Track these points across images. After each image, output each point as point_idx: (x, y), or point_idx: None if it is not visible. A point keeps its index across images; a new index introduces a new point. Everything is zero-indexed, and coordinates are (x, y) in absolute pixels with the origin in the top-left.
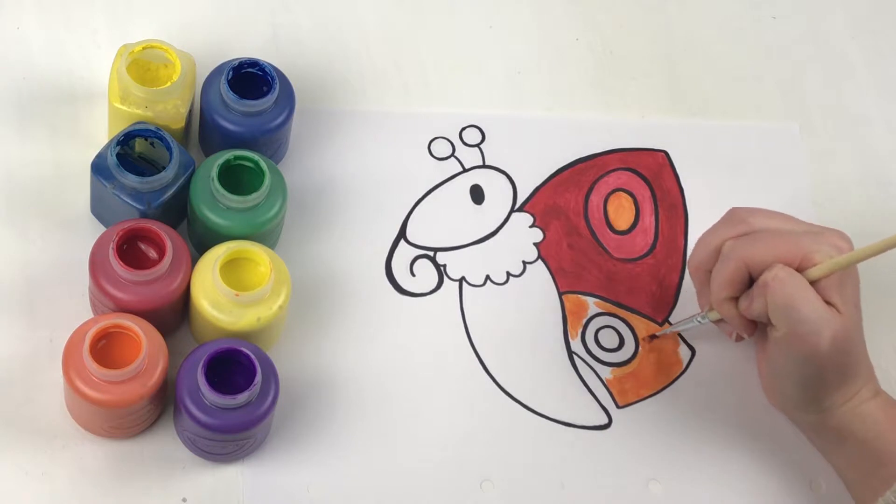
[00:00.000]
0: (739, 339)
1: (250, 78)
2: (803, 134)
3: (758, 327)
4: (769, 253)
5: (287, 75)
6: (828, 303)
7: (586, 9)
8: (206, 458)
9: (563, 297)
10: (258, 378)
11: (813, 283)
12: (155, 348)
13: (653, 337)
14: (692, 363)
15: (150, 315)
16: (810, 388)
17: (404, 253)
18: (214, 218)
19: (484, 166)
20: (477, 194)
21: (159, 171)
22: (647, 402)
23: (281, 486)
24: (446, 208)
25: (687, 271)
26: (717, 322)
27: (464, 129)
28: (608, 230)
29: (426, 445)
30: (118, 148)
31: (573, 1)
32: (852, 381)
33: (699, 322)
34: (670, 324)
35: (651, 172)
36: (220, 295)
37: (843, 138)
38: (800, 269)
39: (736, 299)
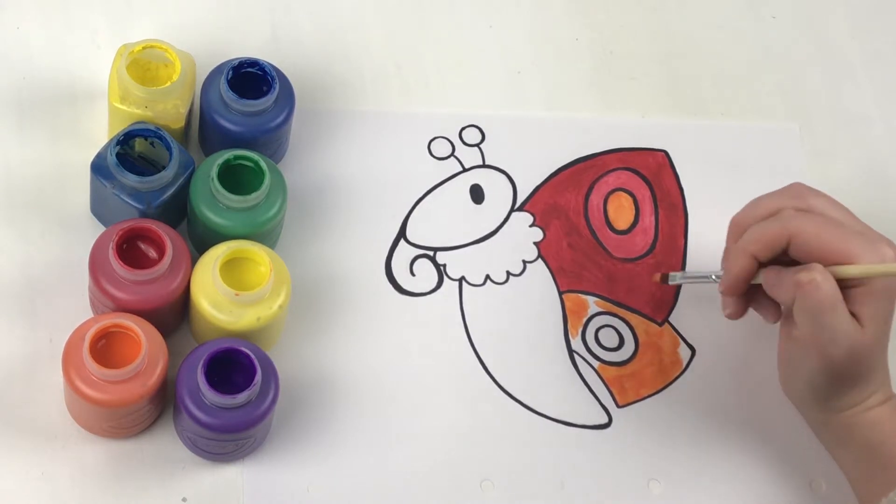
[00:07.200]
0: (774, 317)
1: (250, 78)
2: (803, 134)
3: (782, 318)
4: (818, 236)
5: (287, 75)
6: (856, 312)
7: (586, 9)
8: (206, 458)
9: (564, 296)
10: (258, 378)
11: (846, 282)
12: (155, 348)
13: (664, 278)
14: (692, 363)
15: (150, 315)
16: (819, 390)
17: (404, 253)
18: (214, 218)
19: (484, 166)
20: (477, 194)
21: (159, 171)
22: (647, 401)
23: (281, 486)
24: (446, 208)
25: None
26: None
27: (464, 128)
28: (608, 230)
29: (426, 445)
30: (118, 148)
31: (573, 1)
32: (863, 387)
33: (714, 280)
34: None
35: (651, 172)
36: (219, 294)
37: (843, 138)
38: (838, 264)
39: (758, 264)
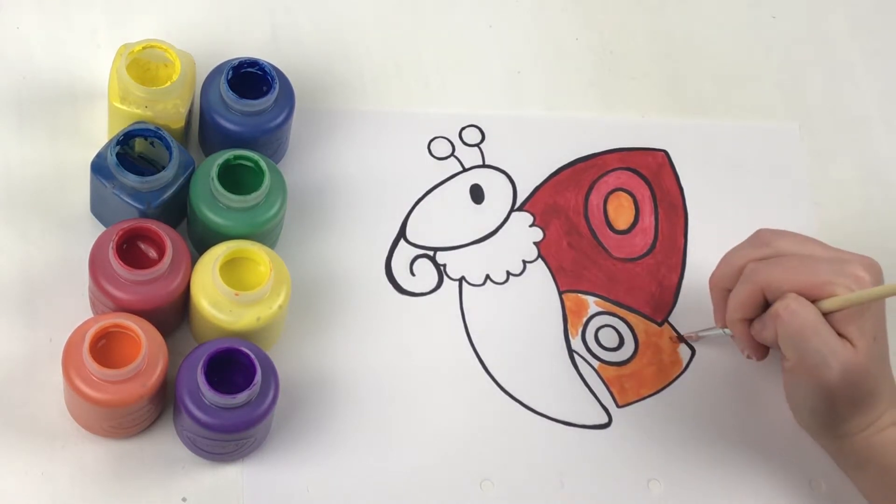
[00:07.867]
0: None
1: (250, 78)
2: (803, 134)
3: (770, 353)
4: (786, 279)
5: (287, 75)
6: (842, 334)
7: (586, 8)
8: (206, 458)
9: (564, 296)
10: (258, 378)
11: (828, 314)
12: (155, 348)
13: (679, 338)
14: (692, 363)
15: (150, 315)
16: (822, 416)
17: (404, 252)
18: (214, 217)
19: (484, 166)
20: (477, 194)
21: (159, 171)
22: (647, 401)
23: (281, 486)
24: (446, 208)
25: (685, 281)
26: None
27: (463, 128)
28: (608, 230)
29: (426, 445)
30: (118, 147)
31: (573, 1)
32: (868, 410)
33: (725, 333)
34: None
35: (651, 172)
36: (219, 294)
37: (843, 138)
38: (816, 299)
39: (750, 321)
